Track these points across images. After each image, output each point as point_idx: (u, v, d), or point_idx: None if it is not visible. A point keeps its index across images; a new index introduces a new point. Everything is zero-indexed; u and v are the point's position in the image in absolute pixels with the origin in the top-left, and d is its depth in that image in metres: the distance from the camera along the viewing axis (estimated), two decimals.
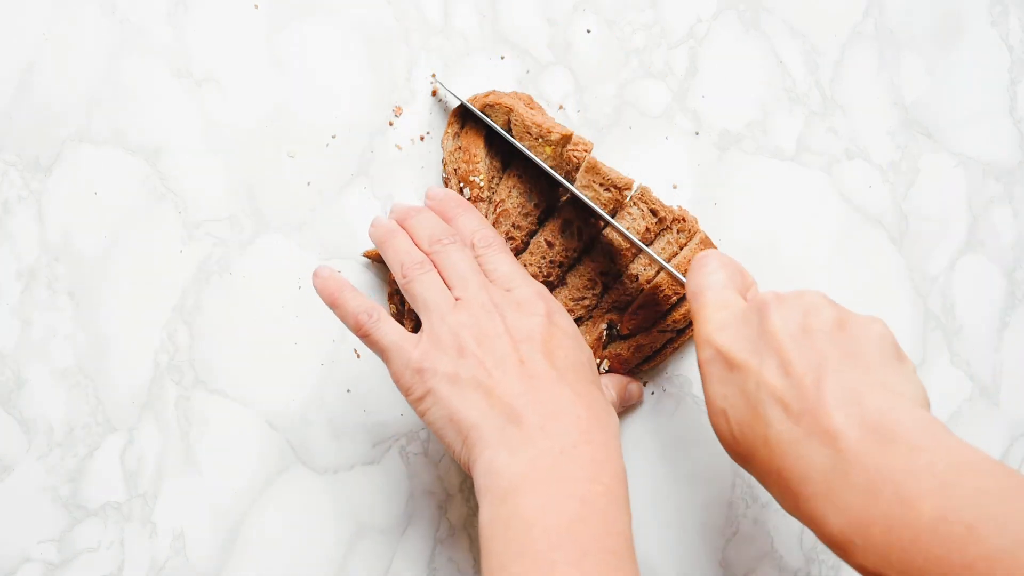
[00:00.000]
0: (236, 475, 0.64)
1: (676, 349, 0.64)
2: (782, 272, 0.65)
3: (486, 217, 0.61)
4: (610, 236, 0.61)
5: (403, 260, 0.55)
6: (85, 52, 0.65)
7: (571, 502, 0.45)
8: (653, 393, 0.65)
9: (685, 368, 0.65)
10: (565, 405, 0.49)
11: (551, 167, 0.60)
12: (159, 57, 0.65)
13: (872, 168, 0.65)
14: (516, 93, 0.63)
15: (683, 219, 0.61)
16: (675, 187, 0.65)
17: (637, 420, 0.65)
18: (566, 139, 0.60)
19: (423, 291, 0.53)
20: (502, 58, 0.65)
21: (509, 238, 0.61)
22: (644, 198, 0.60)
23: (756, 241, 0.65)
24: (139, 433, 0.64)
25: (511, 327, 0.51)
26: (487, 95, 0.62)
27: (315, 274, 0.55)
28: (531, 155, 0.59)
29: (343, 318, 0.54)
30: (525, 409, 0.48)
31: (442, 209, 0.59)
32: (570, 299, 0.62)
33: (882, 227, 0.65)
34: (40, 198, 0.64)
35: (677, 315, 0.62)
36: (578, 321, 0.62)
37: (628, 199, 0.60)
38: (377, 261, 0.64)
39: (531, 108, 0.63)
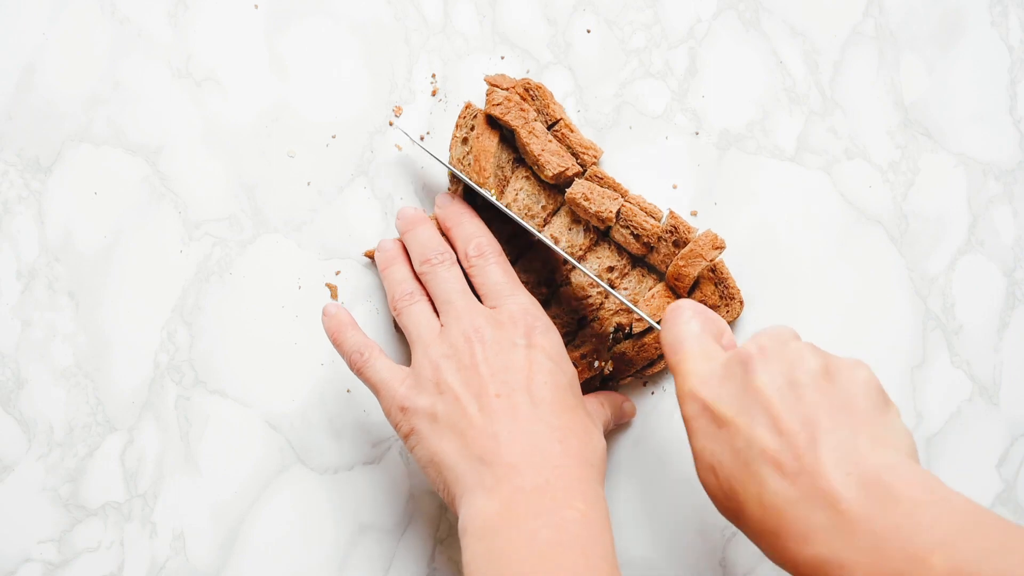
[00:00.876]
0: (236, 475, 0.64)
1: None
2: (782, 272, 0.65)
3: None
4: (616, 236, 0.61)
5: (395, 292, 0.58)
6: (85, 52, 0.65)
7: (545, 531, 0.46)
8: (653, 393, 0.65)
9: None
10: (540, 440, 0.50)
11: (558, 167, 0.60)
12: (159, 57, 0.65)
13: (872, 168, 0.65)
14: (527, 81, 0.63)
15: (675, 228, 0.61)
16: (675, 187, 0.65)
17: (638, 420, 0.65)
18: (560, 176, 0.60)
19: (410, 323, 0.56)
20: (502, 58, 0.65)
21: (515, 237, 0.62)
22: (630, 222, 0.61)
23: (756, 241, 0.65)
24: (139, 433, 0.64)
25: (490, 357, 0.52)
26: (490, 93, 0.62)
27: (324, 311, 0.58)
28: (500, 206, 0.61)
29: (342, 356, 0.57)
30: (499, 449, 0.49)
31: (445, 217, 0.60)
32: (574, 298, 0.62)
33: (882, 227, 0.65)
34: (40, 198, 0.64)
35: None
36: (582, 321, 0.62)
37: (615, 222, 0.61)
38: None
39: (548, 106, 0.63)
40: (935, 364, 0.65)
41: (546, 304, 0.62)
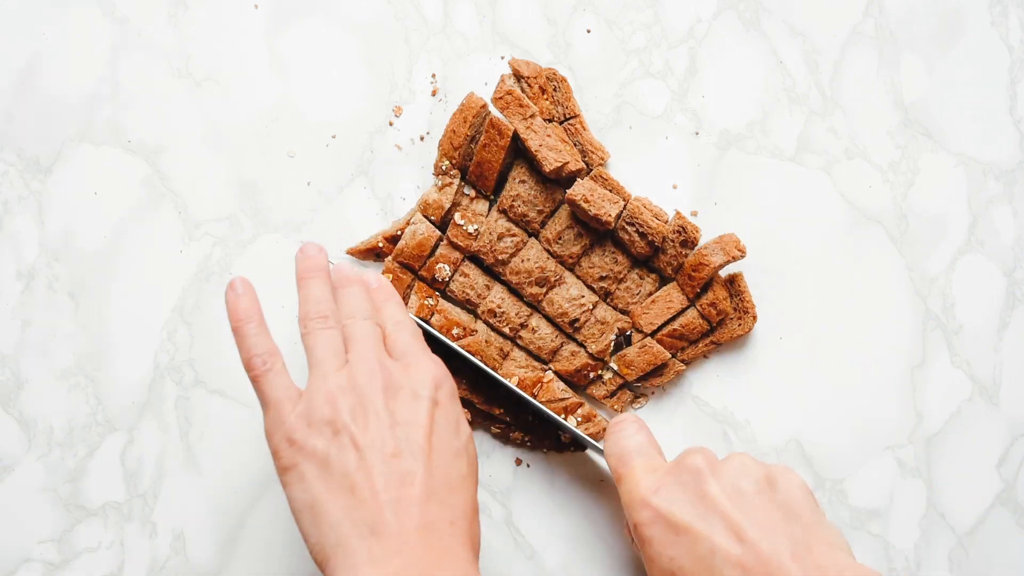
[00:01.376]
0: (236, 475, 0.64)
1: (685, 362, 0.64)
2: (782, 272, 0.65)
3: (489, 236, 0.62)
4: (621, 235, 0.62)
5: (309, 310, 0.52)
6: (85, 52, 0.65)
7: None
8: (653, 393, 0.65)
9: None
10: (433, 518, 0.47)
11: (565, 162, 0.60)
12: (159, 57, 0.65)
13: (872, 168, 0.65)
14: (553, 72, 0.63)
15: (683, 228, 0.61)
16: (675, 187, 0.65)
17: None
18: (559, 171, 0.60)
19: (316, 345, 0.51)
20: (502, 58, 0.65)
21: (509, 237, 0.62)
22: (636, 219, 0.61)
23: (756, 241, 0.65)
24: (139, 433, 0.64)
25: (391, 404, 0.49)
26: (500, 83, 0.61)
27: (230, 286, 0.52)
28: (455, 347, 0.61)
29: (240, 349, 0.51)
30: (392, 520, 0.46)
31: (374, 296, 0.56)
32: (566, 300, 0.62)
33: (882, 227, 0.65)
34: (40, 198, 0.64)
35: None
36: (574, 323, 0.63)
37: (616, 222, 0.61)
38: (359, 257, 0.64)
39: (568, 99, 0.63)
40: (935, 364, 0.65)
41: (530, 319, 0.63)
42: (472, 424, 0.64)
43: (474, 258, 0.64)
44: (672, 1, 0.65)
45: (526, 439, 0.63)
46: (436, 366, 0.52)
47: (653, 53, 0.65)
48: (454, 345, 0.61)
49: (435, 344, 0.62)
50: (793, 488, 0.49)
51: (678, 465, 0.51)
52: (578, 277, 0.63)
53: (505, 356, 0.63)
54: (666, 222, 0.62)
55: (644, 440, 0.54)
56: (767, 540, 0.47)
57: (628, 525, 0.53)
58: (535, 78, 0.62)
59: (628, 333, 0.63)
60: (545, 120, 0.62)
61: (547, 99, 0.63)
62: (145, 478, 0.64)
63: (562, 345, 0.63)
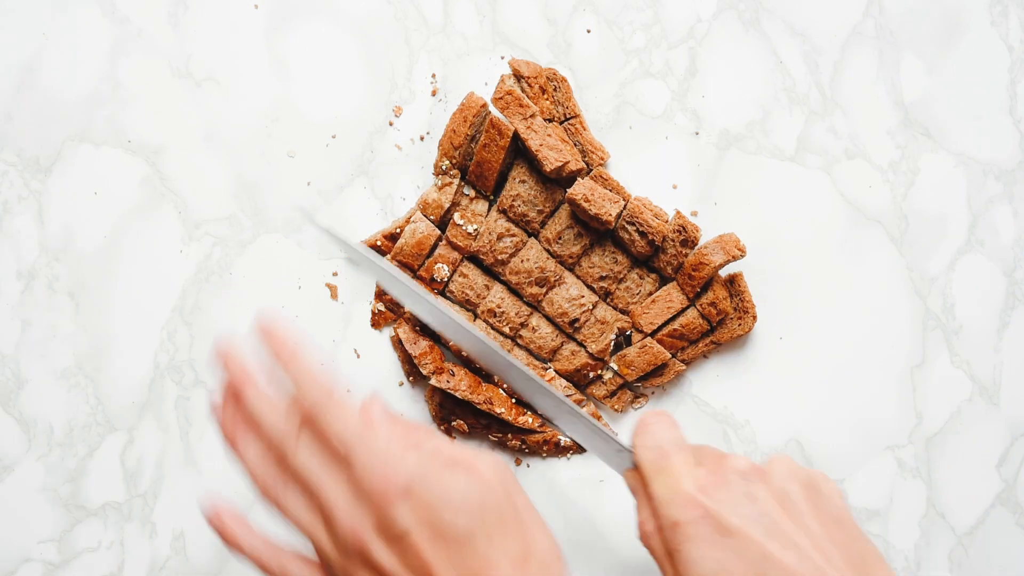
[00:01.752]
0: (236, 475, 0.64)
1: (685, 362, 0.64)
2: (782, 272, 0.65)
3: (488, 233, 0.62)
4: (621, 235, 0.62)
5: (256, 482, 0.47)
6: (85, 52, 0.65)
7: None
8: (653, 393, 0.65)
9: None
10: None
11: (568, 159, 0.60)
12: (159, 57, 0.65)
13: (872, 168, 0.65)
14: (553, 72, 0.63)
15: (683, 227, 0.61)
16: (675, 187, 0.65)
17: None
18: (560, 171, 0.60)
19: (286, 518, 0.46)
20: (502, 58, 0.65)
21: (509, 236, 0.62)
22: (636, 219, 0.61)
23: (756, 241, 0.65)
24: (139, 433, 0.64)
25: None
26: (500, 84, 0.61)
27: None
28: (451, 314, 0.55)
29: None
30: None
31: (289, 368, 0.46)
32: (565, 300, 0.62)
33: (882, 227, 0.65)
34: (40, 198, 0.64)
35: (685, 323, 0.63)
36: (574, 323, 0.63)
37: (616, 222, 0.61)
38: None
39: (569, 99, 0.63)
40: (935, 364, 0.65)
41: (530, 317, 0.63)
42: (470, 433, 0.64)
43: (473, 258, 0.64)
44: (672, 1, 0.65)
45: (523, 447, 0.63)
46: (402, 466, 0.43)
47: (653, 53, 0.65)
48: (456, 340, 0.59)
49: (436, 338, 0.62)
50: (836, 496, 0.48)
51: (720, 465, 0.48)
52: (578, 277, 0.63)
53: None
54: (666, 222, 0.62)
55: (680, 436, 0.50)
56: (820, 550, 0.45)
57: (643, 524, 0.48)
58: (535, 78, 0.62)
59: (628, 333, 0.63)
60: (545, 120, 0.62)
61: (547, 99, 0.63)
62: (145, 478, 0.64)
63: (562, 345, 0.63)
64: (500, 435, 0.63)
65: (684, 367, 0.64)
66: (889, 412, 0.65)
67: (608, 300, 0.63)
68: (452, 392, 0.61)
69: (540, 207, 0.62)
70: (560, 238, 0.62)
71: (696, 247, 0.62)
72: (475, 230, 0.63)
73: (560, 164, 0.60)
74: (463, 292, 0.63)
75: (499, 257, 0.63)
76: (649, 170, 0.65)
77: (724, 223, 0.65)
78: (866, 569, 0.45)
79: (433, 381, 0.61)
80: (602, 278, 0.63)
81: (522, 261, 0.62)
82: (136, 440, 0.64)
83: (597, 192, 0.60)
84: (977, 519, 0.65)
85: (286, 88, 0.65)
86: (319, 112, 0.65)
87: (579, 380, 0.64)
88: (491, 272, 0.64)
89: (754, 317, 0.63)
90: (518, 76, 0.62)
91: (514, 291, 0.63)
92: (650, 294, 0.63)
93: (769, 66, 0.66)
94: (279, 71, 0.65)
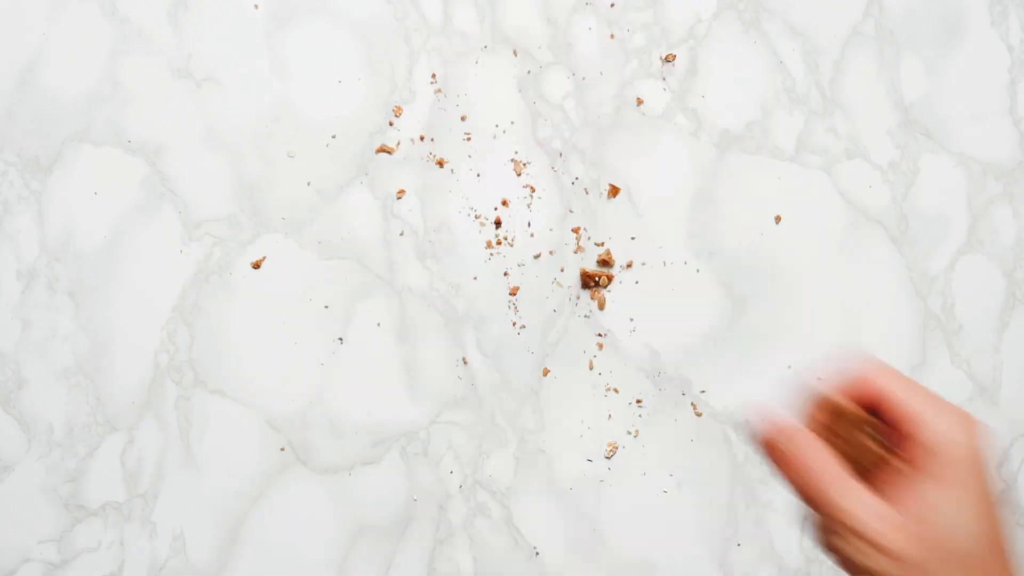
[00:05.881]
0: (236, 475, 0.64)
1: None
2: (782, 272, 0.65)
3: None
4: None
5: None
6: (85, 52, 0.65)
7: None
8: (662, 389, 0.65)
9: (685, 369, 0.65)
10: None
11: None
12: (159, 57, 0.65)
13: (872, 168, 0.65)
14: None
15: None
16: (675, 187, 0.65)
17: (638, 421, 0.65)
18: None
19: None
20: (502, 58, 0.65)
21: None
22: None
23: (756, 241, 0.65)
24: (139, 433, 0.64)
25: None
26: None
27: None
28: None
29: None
30: None
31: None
32: None
33: (882, 227, 0.65)
34: (40, 198, 0.64)
35: None
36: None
37: None
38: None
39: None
40: (935, 364, 0.65)
41: None
42: None
43: None
44: (672, 1, 0.65)
45: None
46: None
47: (653, 53, 0.65)
48: None
49: None
50: None
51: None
52: None
53: None
54: None
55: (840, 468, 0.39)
56: None
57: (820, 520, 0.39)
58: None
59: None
60: None
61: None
62: (145, 478, 0.64)
63: None
64: None
65: None
66: None
67: None
68: None
69: None
70: None
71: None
72: None
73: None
74: None
75: None
76: (649, 170, 0.65)
77: (724, 223, 0.65)
78: None
79: None
80: None
81: None
82: (136, 440, 0.64)
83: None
84: None
85: (286, 88, 0.65)
86: (319, 112, 0.65)
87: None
88: None
89: None
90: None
91: None
92: None
93: (769, 66, 0.66)
94: (279, 71, 0.65)
